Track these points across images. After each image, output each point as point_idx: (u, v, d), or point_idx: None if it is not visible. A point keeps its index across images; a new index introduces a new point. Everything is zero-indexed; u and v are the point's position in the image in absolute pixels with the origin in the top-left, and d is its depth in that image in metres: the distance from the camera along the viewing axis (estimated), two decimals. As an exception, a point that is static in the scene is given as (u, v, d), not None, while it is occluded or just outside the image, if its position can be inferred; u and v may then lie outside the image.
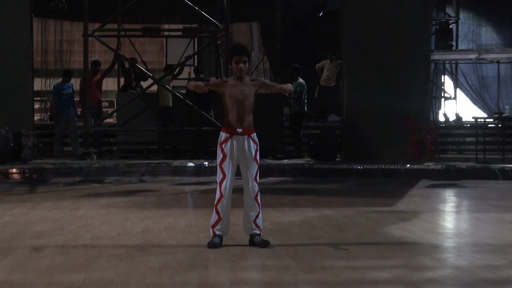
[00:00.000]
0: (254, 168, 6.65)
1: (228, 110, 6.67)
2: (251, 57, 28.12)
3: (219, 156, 6.65)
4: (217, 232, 6.70)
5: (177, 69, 17.20)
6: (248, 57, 6.71)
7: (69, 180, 14.03)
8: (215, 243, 6.63)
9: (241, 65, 6.62)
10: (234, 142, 6.62)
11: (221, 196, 6.62)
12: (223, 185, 6.61)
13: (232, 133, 6.62)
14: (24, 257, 6.24)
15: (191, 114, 16.12)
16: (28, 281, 5.37)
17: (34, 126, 16.73)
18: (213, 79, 17.64)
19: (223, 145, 6.63)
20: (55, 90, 17.24)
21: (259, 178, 6.72)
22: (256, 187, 6.65)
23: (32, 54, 16.78)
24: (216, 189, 6.68)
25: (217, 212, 6.67)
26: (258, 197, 6.67)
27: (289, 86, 6.81)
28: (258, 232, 6.71)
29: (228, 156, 6.62)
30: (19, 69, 15.91)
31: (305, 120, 17.72)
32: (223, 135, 6.67)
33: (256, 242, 6.67)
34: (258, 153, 6.69)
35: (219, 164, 6.65)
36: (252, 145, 6.65)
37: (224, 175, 6.61)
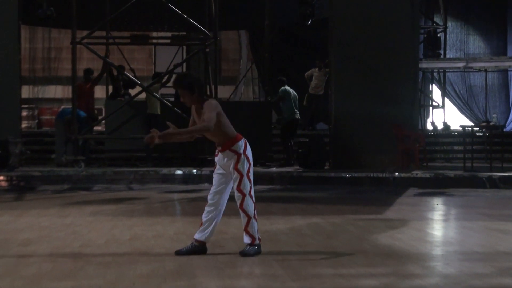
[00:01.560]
0: (236, 177, 6.63)
1: None
2: (239, 67, 28.07)
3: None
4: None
5: (166, 77, 17.18)
6: (179, 86, 6.61)
7: (57, 187, 13.99)
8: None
9: (181, 98, 6.69)
10: (219, 156, 6.72)
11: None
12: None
13: (217, 153, 6.75)
14: (11, 264, 6.22)
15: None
16: (16, 289, 5.35)
17: (22, 134, 16.66)
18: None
19: (215, 158, 6.77)
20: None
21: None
22: (240, 196, 6.63)
23: (20, 62, 16.71)
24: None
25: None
26: (244, 206, 6.63)
27: (200, 128, 6.58)
28: (250, 241, 6.68)
29: (216, 168, 6.77)
30: (6, 77, 15.83)
31: (296, 127, 17.65)
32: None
33: (240, 251, 6.70)
34: (240, 163, 6.63)
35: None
36: (231, 155, 6.64)
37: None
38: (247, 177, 6.63)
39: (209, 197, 6.74)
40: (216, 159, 6.75)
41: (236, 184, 6.62)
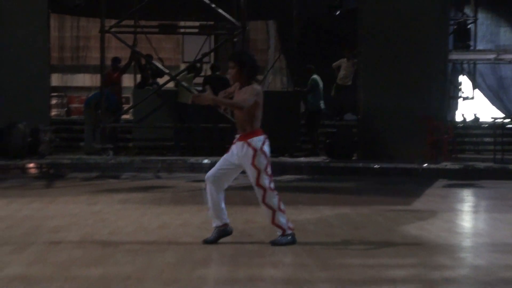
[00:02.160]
0: (254, 173, 6.57)
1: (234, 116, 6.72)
2: (267, 57, 28.06)
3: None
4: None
5: (199, 67, 17.27)
6: (236, 62, 6.61)
7: (85, 175, 14.06)
8: (207, 240, 6.69)
9: (229, 70, 6.66)
10: (235, 146, 6.65)
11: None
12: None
13: (235, 141, 6.69)
14: (42, 251, 6.27)
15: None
16: (46, 275, 5.39)
17: (51, 122, 16.78)
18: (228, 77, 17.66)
19: (232, 145, 6.70)
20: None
21: (275, 176, 6.67)
22: (260, 191, 6.59)
23: (49, 50, 16.83)
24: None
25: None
26: (267, 200, 6.58)
27: (240, 105, 6.55)
28: (281, 233, 6.66)
29: (228, 152, 6.72)
30: (36, 65, 15.93)
31: (321, 117, 17.63)
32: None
33: (271, 240, 6.68)
34: (256, 158, 6.55)
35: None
36: (248, 151, 6.57)
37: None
38: (265, 172, 6.55)
39: (210, 176, 6.70)
40: (233, 146, 6.67)
41: (255, 180, 6.57)
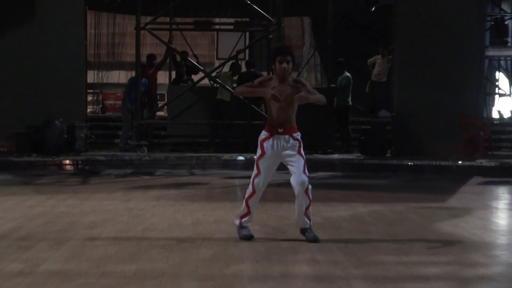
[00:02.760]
0: (301, 161, 6.59)
1: (270, 110, 6.67)
2: (302, 54, 28.09)
3: (258, 152, 6.66)
4: (244, 224, 6.77)
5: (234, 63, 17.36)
6: (292, 57, 6.64)
7: (120, 172, 14.19)
8: (248, 235, 6.73)
9: (284, 64, 6.57)
10: (275, 141, 6.61)
11: (254, 192, 6.67)
12: (256, 181, 6.64)
13: (273, 132, 6.62)
14: (78, 247, 6.34)
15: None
16: (82, 270, 5.46)
17: (87, 118, 16.93)
18: (264, 73, 17.69)
19: (264, 143, 6.64)
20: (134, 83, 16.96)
21: (308, 172, 6.67)
22: (306, 180, 6.56)
23: (86, 47, 16.97)
24: (249, 184, 6.71)
25: (248, 206, 6.73)
26: (309, 191, 6.62)
27: (322, 98, 6.65)
28: (309, 224, 6.70)
29: (267, 154, 6.62)
30: (73, 62, 16.09)
31: (350, 113, 17.62)
32: (264, 133, 6.68)
33: (307, 237, 6.67)
34: (301, 149, 6.64)
35: (256, 160, 6.66)
36: (293, 142, 6.60)
37: (259, 172, 6.64)
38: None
39: (264, 186, 6.71)
40: (271, 143, 6.61)
41: (302, 167, 6.57)
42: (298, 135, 6.66)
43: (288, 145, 6.59)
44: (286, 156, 6.62)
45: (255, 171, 6.67)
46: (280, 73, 6.61)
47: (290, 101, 6.57)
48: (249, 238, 6.72)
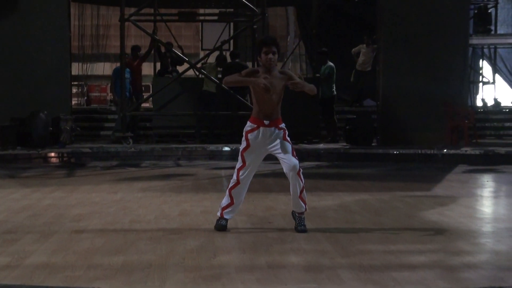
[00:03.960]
0: (288, 146, 6.59)
1: (256, 101, 6.66)
2: (287, 44, 28.06)
3: (243, 144, 6.64)
4: (225, 216, 6.75)
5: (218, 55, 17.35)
6: (277, 48, 6.63)
7: (106, 164, 14.16)
8: (222, 226, 6.73)
9: (270, 55, 6.56)
10: (261, 133, 6.59)
11: (237, 182, 6.66)
12: (241, 172, 6.64)
13: (259, 124, 6.60)
14: (65, 239, 6.34)
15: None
16: (69, 263, 5.45)
17: (72, 111, 16.87)
18: (249, 64, 17.69)
19: (249, 134, 6.61)
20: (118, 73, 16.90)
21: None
22: (297, 162, 6.57)
23: (70, 39, 16.89)
24: (233, 174, 6.72)
25: (230, 197, 6.71)
26: (301, 173, 6.63)
27: (314, 88, 6.70)
28: (304, 208, 6.70)
29: (252, 146, 6.61)
30: (57, 54, 16.03)
31: (335, 103, 17.63)
32: (249, 125, 6.66)
33: (296, 226, 6.70)
34: (287, 135, 6.64)
35: (241, 152, 6.64)
36: (279, 132, 6.60)
37: (244, 163, 6.63)
38: None
39: (249, 178, 6.70)
40: (253, 136, 6.59)
41: (290, 151, 6.57)
42: (283, 125, 6.66)
43: (274, 135, 6.59)
44: (273, 146, 6.60)
45: (240, 162, 6.66)
46: (266, 63, 6.60)
47: (277, 93, 6.57)
48: (222, 229, 6.71)
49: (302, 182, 6.63)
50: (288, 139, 6.65)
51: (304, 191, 6.68)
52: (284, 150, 6.58)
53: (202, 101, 16.88)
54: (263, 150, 6.65)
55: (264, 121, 6.57)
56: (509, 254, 5.80)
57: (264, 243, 6.18)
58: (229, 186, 6.74)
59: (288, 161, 6.57)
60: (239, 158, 6.66)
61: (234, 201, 6.71)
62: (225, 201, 6.75)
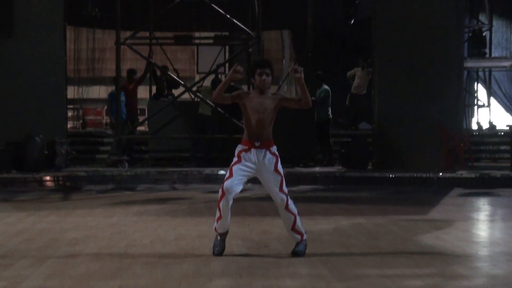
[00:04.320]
0: (277, 179, 6.60)
1: (246, 123, 6.67)
2: (282, 67, 28.13)
3: (234, 160, 6.64)
4: (218, 230, 6.71)
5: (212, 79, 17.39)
6: (271, 70, 6.67)
7: (101, 187, 14.14)
8: (218, 253, 6.68)
9: (264, 76, 6.61)
10: (252, 154, 6.60)
11: (222, 194, 6.57)
12: (225, 183, 6.56)
13: (250, 146, 6.60)
14: (59, 264, 6.30)
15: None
16: (64, 288, 5.43)
17: (68, 134, 16.86)
18: (244, 87, 17.72)
19: (242, 153, 6.62)
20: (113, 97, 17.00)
21: (289, 186, 6.68)
22: (284, 198, 6.60)
23: (66, 62, 16.92)
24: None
25: (219, 209, 6.65)
26: (290, 206, 6.63)
27: (310, 100, 6.67)
28: (299, 239, 6.70)
29: (242, 162, 6.60)
30: (52, 77, 16.04)
31: (331, 126, 17.66)
32: (240, 146, 6.67)
33: (293, 251, 6.70)
34: (278, 164, 6.63)
35: (230, 166, 6.63)
36: (271, 158, 6.60)
37: (230, 175, 6.59)
38: (284, 178, 6.65)
39: (234, 187, 6.56)
40: (249, 155, 6.59)
41: (279, 185, 6.58)
42: (274, 148, 6.66)
43: (265, 160, 6.58)
44: (262, 173, 6.61)
45: (227, 174, 6.64)
46: (260, 85, 6.64)
47: (268, 113, 6.59)
48: (218, 254, 6.67)
49: (292, 214, 6.64)
50: (280, 169, 6.63)
51: (298, 221, 6.67)
52: (273, 184, 6.62)
53: (198, 124, 16.90)
54: (252, 170, 6.62)
55: (255, 143, 6.58)
56: (506, 278, 5.79)
57: (261, 267, 6.16)
58: (218, 199, 6.68)
59: (275, 196, 6.63)
60: (227, 171, 6.64)
61: (222, 215, 6.64)
62: (216, 214, 6.70)
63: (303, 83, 6.67)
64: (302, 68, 6.61)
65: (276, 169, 6.60)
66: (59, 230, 8.30)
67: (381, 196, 12.93)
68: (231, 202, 6.61)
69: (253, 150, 6.59)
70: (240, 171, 6.60)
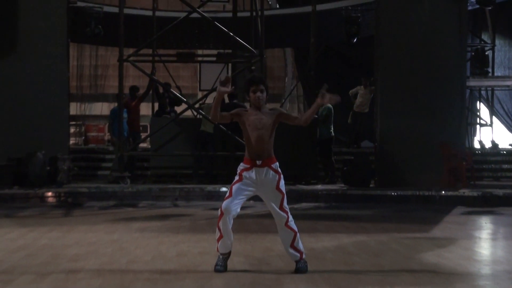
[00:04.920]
0: (278, 197, 6.61)
1: (247, 140, 6.68)
2: (284, 85, 28.16)
3: (235, 179, 6.67)
4: (220, 250, 6.71)
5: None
6: (265, 86, 6.68)
7: (103, 204, 14.11)
8: (219, 271, 6.66)
9: (258, 93, 6.62)
10: (254, 172, 6.61)
11: (221, 213, 6.58)
12: (224, 203, 6.58)
13: (252, 165, 6.61)
14: (61, 280, 6.29)
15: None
16: (65, 304, 5.41)
17: (70, 150, 16.86)
18: (246, 104, 17.73)
19: (243, 172, 6.63)
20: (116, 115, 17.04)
21: (291, 203, 6.69)
22: (284, 216, 6.62)
23: (68, 79, 16.94)
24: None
25: (219, 229, 6.65)
26: (290, 223, 6.64)
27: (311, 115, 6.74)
28: (298, 257, 6.69)
29: (244, 181, 6.61)
30: (55, 94, 16.05)
31: (333, 144, 17.65)
32: (242, 165, 6.68)
33: (295, 268, 6.68)
34: (281, 182, 6.63)
35: (231, 185, 6.64)
36: (273, 176, 6.61)
37: (230, 194, 6.61)
38: (286, 196, 6.65)
39: (232, 207, 6.57)
40: (250, 173, 6.61)
41: (279, 203, 6.60)
42: (276, 165, 6.66)
43: (267, 178, 6.59)
44: (265, 191, 6.64)
45: (227, 193, 6.65)
46: (254, 102, 6.66)
47: (266, 128, 6.60)
48: (220, 271, 6.65)
49: (293, 231, 6.65)
50: (282, 187, 6.63)
51: (297, 239, 6.67)
52: (274, 202, 6.63)
53: (200, 141, 16.90)
54: (254, 189, 6.64)
55: (257, 162, 6.59)
56: (509, 297, 5.77)
57: (263, 285, 6.14)
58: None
59: (275, 215, 6.65)
60: (228, 190, 6.65)
61: (223, 234, 6.63)
62: (216, 234, 6.70)
63: (285, 115, 6.73)
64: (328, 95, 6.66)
65: (278, 187, 6.61)
66: (61, 246, 8.29)
67: (383, 214, 12.90)
68: (230, 222, 6.60)
69: (254, 169, 6.59)
70: (239, 190, 6.61)
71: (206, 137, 16.72)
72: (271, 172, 6.60)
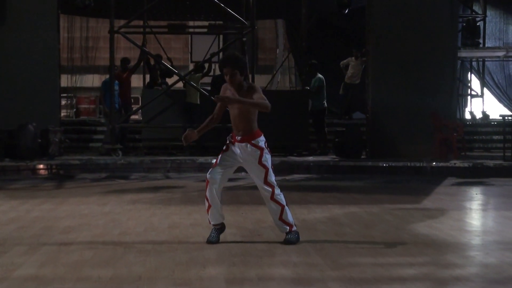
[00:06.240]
0: (262, 172, 6.64)
1: (230, 117, 6.74)
2: (276, 56, 28.09)
3: (224, 147, 6.76)
4: (211, 221, 6.75)
5: (207, 67, 17.29)
6: (232, 65, 6.59)
7: (95, 176, 14.12)
8: (211, 241, 6.71)
9: (228, 77, 6.63)
10: (237, 147, 6.69)
11: (207, 182, 6.67)
12: (210, 171, 6.69)
13: (234, 140, 6.70)
14: (53, 252, 6.31)
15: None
16: (58, 275, 5.43)
17: (61, 122, 16.81)
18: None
19: (230, 144, 6.76)
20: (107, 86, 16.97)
21: (283, 175, 6.71)
22: (269, 190, 6.65)
23: (59, 51, 16.85)
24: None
25: (206, 199, 6.71)
26: (276, 197, 6.67)
27: (267, 106, 6.53)
28: (287, 230, 6.72)
29: (228, 151, 6.72)
30: (46, 66, 15.97)
31: (326, 115, 17.65)
32: (230, 137, 6.79)
33: (284, 239, 6.70)
34: (263, 156, 6.63)
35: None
36: (254, 151, 6.63)
37: (215, 163, 6.71)
38: (271, 169, 6.67)
39: (217, 176, 6.65)
40: (233, 147, 6.71)
41: (263, 178, 6.64)
42: (258, 141, 6.65)
43: (247, 153, 6.64)
44: (247, 165, 6.72)
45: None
46: (229, 84, 6.69)
47: (244, 108, 6.61)
48: (211, 243, 6.69)
49: (280, 204, 6.69)
50: (264, 162, 6.63)
51: (286, 212, 6.71)
52: (258, 176, 6.68)
53: (186, 113, 16.84)
54: (237, 161, 6.72)
55: (237, 137, 6.67)
56: (498, 267, 5.81)
57: (254, 256, 6.17)
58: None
59: (260, 189, 6.72)
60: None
61: (211, 203, 6.68)
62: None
63: (240, 100, 6.57)
64: (222, 96, 6.59)
65: (260, 162, 6.62)
66: (53, 218, 8.30)
67: (375, 185, 12.94)
68: (218, 193, 6.65)
69: (236, 144, 6.67)
70: (224, 160, 6.71)
71: (193, 108, 16.67)
72: (251, 147, 6.62)
